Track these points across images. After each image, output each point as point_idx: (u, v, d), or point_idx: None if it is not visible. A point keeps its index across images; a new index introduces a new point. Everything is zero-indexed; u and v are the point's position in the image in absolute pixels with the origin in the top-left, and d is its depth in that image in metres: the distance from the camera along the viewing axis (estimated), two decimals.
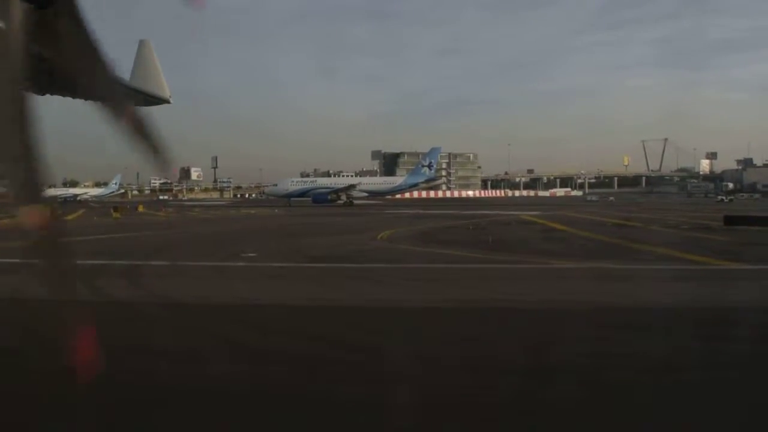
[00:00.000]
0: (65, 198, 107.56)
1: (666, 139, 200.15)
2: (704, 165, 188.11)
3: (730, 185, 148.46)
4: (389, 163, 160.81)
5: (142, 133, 2.80)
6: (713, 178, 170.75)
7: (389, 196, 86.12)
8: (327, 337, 7.84)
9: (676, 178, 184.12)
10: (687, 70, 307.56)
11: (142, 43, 10.97)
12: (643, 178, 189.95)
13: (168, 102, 10.70)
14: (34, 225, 2.34)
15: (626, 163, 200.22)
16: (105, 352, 2.57)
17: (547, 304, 10.01)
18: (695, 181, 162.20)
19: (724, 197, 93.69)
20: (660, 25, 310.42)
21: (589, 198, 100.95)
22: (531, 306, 9.91)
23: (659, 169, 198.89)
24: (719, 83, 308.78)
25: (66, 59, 2.66)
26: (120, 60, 2.97)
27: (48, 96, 5.16)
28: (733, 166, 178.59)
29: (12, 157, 2.33)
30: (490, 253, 17.98)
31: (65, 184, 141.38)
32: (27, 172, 2.35)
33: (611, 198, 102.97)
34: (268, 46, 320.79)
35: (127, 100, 2.98)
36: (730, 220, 28.05)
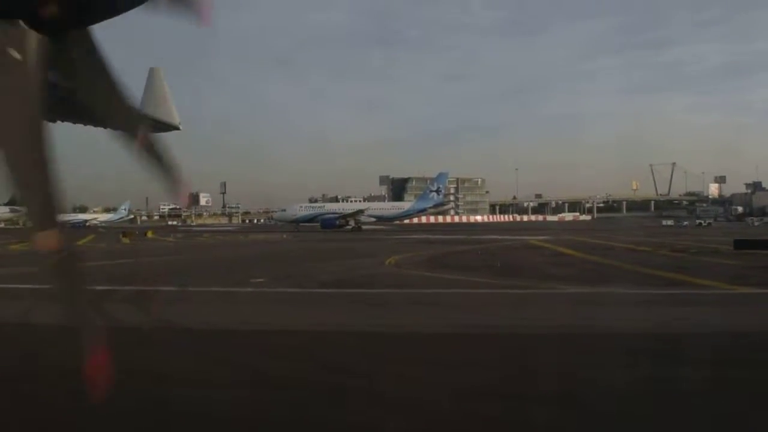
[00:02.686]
0: (74, 224, 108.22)
1: (674, 164, 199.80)
2: (713, 189, 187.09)
3: (740, 209, 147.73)
4: (397, 188, 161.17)
5: (155, 157, 2.85)
6: (722, 201, 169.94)
7: (397, 222, 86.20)
8: (331, 362, 7.81)
9: (684, 202, 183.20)
10: (693, 94, 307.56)
11: (152, 71, 11.12)
12: (652, 203, 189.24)
13: (177, 128, 10.82)
14: (49, 249, 2.39)
15: (635, 188, 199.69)
16: (112, 378, 2.58)
17: (555, 330, 9.93)
18: (704, 205, 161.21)
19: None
20: (665, 50, 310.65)
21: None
22: (539, 332, 9.85)
23: (668, 194, 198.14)
24: (726, 107, 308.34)
25: (81, 87, 2.71)
26: (131, 88, 3.02)
27: (58, 123, 5.23)
28: (743, 189, 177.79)
29: (29, 184, 2.38)
30: (498, 278, 17.93)
31: (74, 210, 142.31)
32: (44, 198, 2.39)
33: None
34: (276, 73, 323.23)
35: (141, 125, 3.02)
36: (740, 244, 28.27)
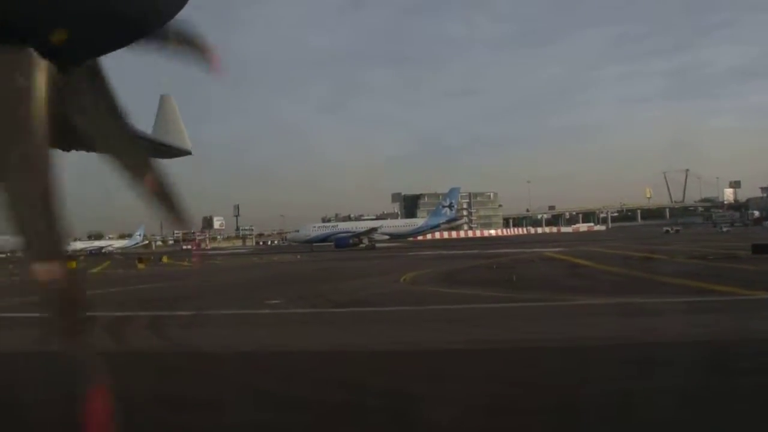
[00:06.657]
0: (90, 251, 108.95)
1: (687, 170, 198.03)
2: (728, 194, 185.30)
3: (756, 213, 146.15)
4: (409, 205, 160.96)
5: (161, 194, 2.80)
6: (738, 206, 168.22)
7: (411, 238, 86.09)
8: (351, 382, 7.77)
9: (700, 209, 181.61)
10: (705, 99, 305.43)
11: (163, 98, 11.23)
12: (667, 210, 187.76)
13: (189, 153, 10.88)
14: (51, 281, 2.33)
15: (649, 196, 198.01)
16: (130, 403, 2.54)
17: (575, 343, 9.81)
18: (720, 210, 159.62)
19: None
20: (673, 55, 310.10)
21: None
22: (558, 345, 9.74)
23: (682, 200, 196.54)
24: (738, 110, 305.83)
25: (86, 121, 2.69)
26: (143, 113, 3.01)
27: (73, 151, 5.26)
28: (758, 193, 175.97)
29: (29, 214, 2.33)
30: (514, 291, 17.79)
31: (90, 237, 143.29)
32: (45, 229, 2.34)
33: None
34: (286, 94, 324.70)
35: (147, 163, 2.96)
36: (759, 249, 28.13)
